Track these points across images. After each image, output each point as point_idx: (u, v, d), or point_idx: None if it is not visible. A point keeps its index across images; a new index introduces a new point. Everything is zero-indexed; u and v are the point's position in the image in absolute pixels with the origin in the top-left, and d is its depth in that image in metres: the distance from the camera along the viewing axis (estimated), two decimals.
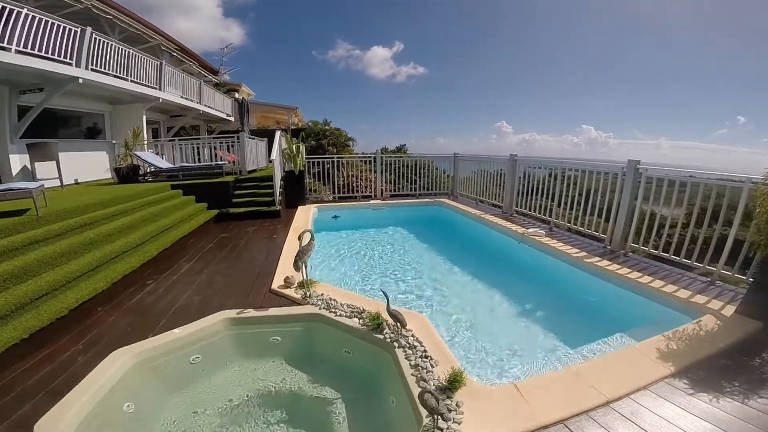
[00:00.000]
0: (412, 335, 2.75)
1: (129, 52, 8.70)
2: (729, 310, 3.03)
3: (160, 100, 9.95)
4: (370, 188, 9.06)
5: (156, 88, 9.84)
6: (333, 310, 3.14)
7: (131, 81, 8.73)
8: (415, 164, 9.23)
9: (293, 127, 16.84)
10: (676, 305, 3.30)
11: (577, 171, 5.45)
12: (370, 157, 8.69)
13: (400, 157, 9.27)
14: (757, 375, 2.36)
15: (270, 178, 7.82)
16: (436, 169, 9.75)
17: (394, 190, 9.39)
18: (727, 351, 2.56)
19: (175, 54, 13.25)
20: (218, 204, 7.27)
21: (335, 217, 7.44)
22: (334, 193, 8.85)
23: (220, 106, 14.61)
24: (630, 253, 4.57)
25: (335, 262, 5.56)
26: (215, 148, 9.40)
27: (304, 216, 6.90)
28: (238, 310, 3.18)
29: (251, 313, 3.16)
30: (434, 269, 5.30)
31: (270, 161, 7.98)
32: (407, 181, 9.29)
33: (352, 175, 9.92)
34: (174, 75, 10.98)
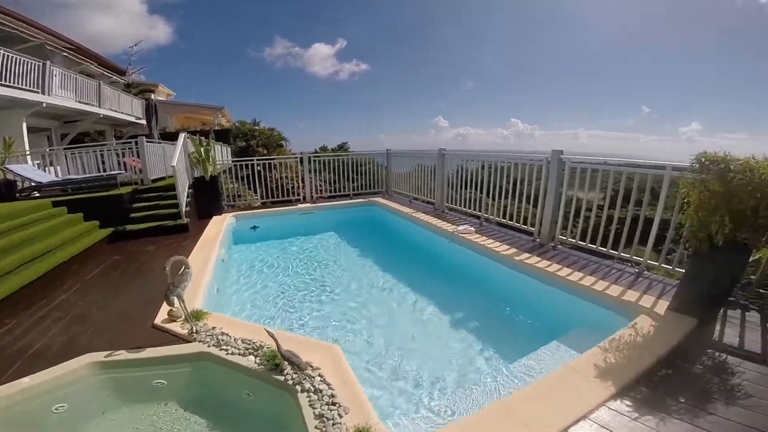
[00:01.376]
0: (319, 375, 2.19)
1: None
2: (662, 307, 2.80)
3: (44, 105, 8.38)
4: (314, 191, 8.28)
5: (38, 92, 8.26)
6: (224, 347, 2.51)
7: (1, 85, 7.20)
8: (354, 162, 8.63)
9: (218, 128, 15.41)
10: (608, 304, 3.04)
11: (504, 163, 5.20)
12: (295, 157, 7.92)
13: (331, 156, 8.59)
14: (701, 386, 2.07)
15: (173, 187, 6.77)
16: (379, 165, 9.16)
17: (333, 191, 8.73)
18: (667, 359, 2.27)
19: (67, 54, 11.39)
20: (113, 221, 6.11)
21: (254, 227, 6.60)
22: (265, 198, 7.99)
23: (127, 109, 12.90)
24: (559, 246, 4.37)
25: (245, 282, 4.80)
26: (122, 154, 8.07)
27: (217, 228, 6.01)
28: (107, 352, 2.49)
29: (123, 355, 2.49)
30: (359, 280, 4.75)
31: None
32: (348, 181, 8.68)
33: (287, 178, 9.10)
34: (65, 77, 9.35)
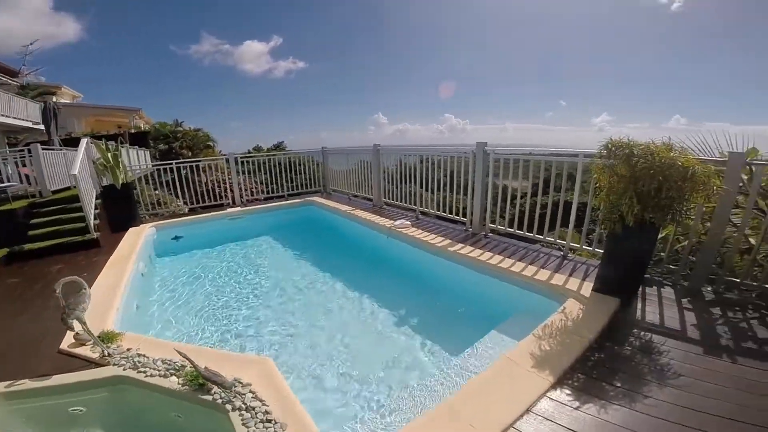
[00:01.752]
0: (251, 391, 1.99)
1: None
2: (587, 288, 2.91)
3: None
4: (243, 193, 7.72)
5: None
6: (142, 370, 2.24)
7: None
8: (290, 162, 8.20)
9: (134, 131, 13.94)
10: (539, 289, 3.13)
11: (436, 157, 5.24)
12: (221, 158, 7.34)
13: (261, 156, 8.10)
14: (633, 368, 2.12)
15: (77, 198, 5.93)
16: (318, 164, 8.77)
17: (269, 192, 8.24)
18: (597, 342, 2.33)
19: None
20: (6, 240, 5.22)
21: (176, 238, 6.00)
22: (195, 203, 7.32)
23: (21, 113, 11.17)
24: (490, 234, 4.47)
25: (169, 296, 4.31)
26: (20, 164, 6.90)
27: (133, 241, 5.35)
28: (8, 383, 2.16)
29: (27, 384, 2.17)
30: (295, 284, 4.50)
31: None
32: (286, 181, 8.22)
33: (217, 181, 8.42)
34: None
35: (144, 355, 2.37)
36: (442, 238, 4.35)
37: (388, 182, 6.32)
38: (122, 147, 9.14)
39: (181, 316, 3.82)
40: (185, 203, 7.44)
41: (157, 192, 7.93)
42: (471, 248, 3.96)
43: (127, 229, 5.99)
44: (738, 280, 2.84)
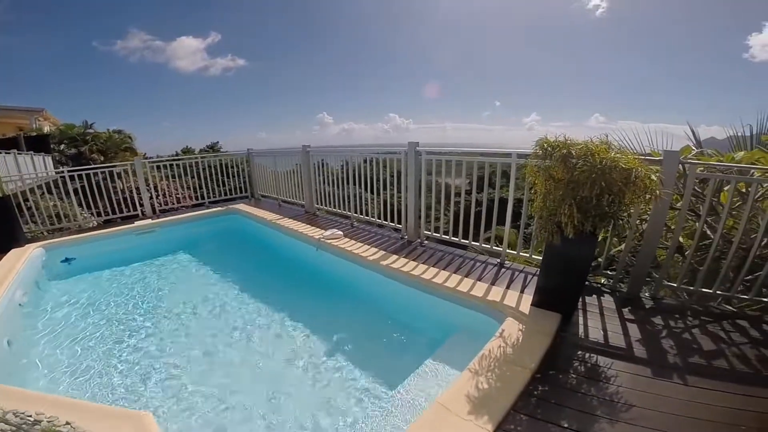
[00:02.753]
0: None
1: None
2: (527, 302, 2.58)
3: None
4: (169, 199, 6.69)
5: None
6: None
7: None
8: (221, 165, 7.21)
9: (34, 134, 11.82)
10: (476, 306, 2.74)
11: (367, 157, 4.75)
12: (125, 165, 6.23)
13: (173, 160, 7.07)
14: (580, 401, 1.76)
15: None
16: (245, 168, 7.83)
17: (199, 198, 7.23)
18: (541, 372, 1.96)
19: None
20: None
21: (67, 260, 4.92)
22: (109, 214, 6.14)
23: None
24: (425, 242, 4.07)
25: (51, 331, 3.38)
26: None
27: (10, 266, 4.25)
28: None
29: None
30: (205, 311, 3.75)
31: None
32: (217, 185, 7.25)
33: (136, 188, 7.19)
34: None
35: None
36: (376, 249, 3.86)
37: (327, 185, 5.68)
38: (3, 154, 7.60)
39: (57, 355, 2.99)
40: (95, 214, 6.24)
41: (56, 204, 6.60)
42: (405, 260, 3.51)
43: (8, 251, 4.83)
44: (675, 285, 2.67)
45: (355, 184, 4.87)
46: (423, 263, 3.42)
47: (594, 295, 2.78)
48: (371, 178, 4.67)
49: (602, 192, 1.91)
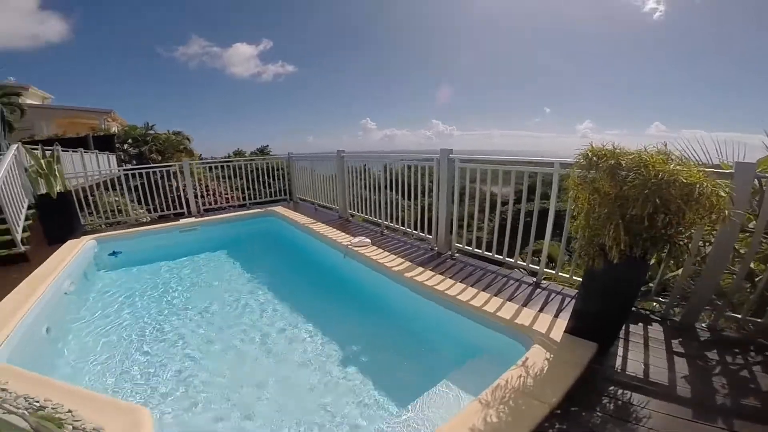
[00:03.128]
0: None
1: None
2: (559, 329, 2.29)
3: None
4: (218, 199, 7.08)
5: None
6: None
7: None
8: (268, 167, 7.50)
9: (100, 134, 12.97)
10: (502, 329, 2.48)
11: (401, 164, 4.61)
12: (173, 165, 6.58)
13: (216, 162, 7.36)
14: None
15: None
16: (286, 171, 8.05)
17: (245, 199, 7.53)
18: (563, 408, 1.71)
19: None
20: None
21: (113, 253, 5.23)
22: (165, 210, 6.58)
23: None
24: (456, 255, 3.83)
25: (90, 320, 3.57)
26: None
27: (63, 256, 4.59)
28: None
29: None
30: (231, 312, 3.76)
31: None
32: (262, 187, 7.52)
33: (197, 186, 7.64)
34: None
35: (5, 389, 1.88)
36: (402, 260, 3.69)
37: (362, 189, 5.59)
38: (70, 152, 8.33)
39: (89, 344, 3.16)
40: (151, 210, 6.66)
41: (116, 199, 7.13)
42: (431, 273, 3.31)
43: (64, 242, 5.27)
44: (739, 316, 2.26)
45: (388, 189, 4.75)
46: (450, 278, 3.20)
47: (640, 324, 2.42)
48: (404, 185, 4.52)
49: (657, 210, 1.61)
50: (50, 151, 5.79)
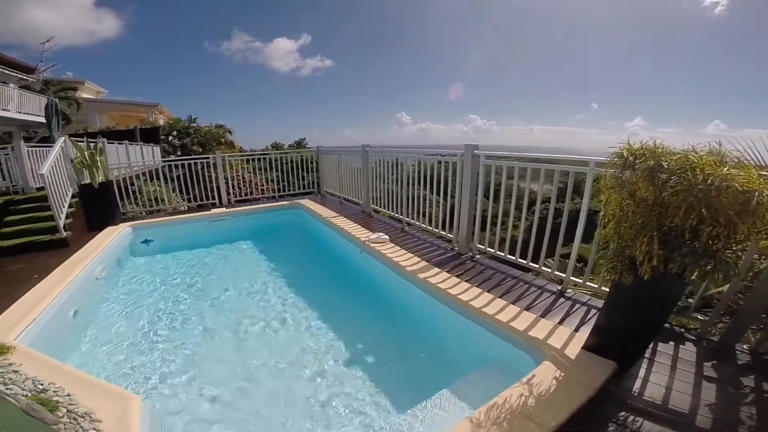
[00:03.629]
0: (95, 429, 1.59)
1: None
2: (577, 344, 2.05)
3: None
4: (254, 191, 7.32)
5: None
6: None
7: None
8: (302, 160, 7.61)
9: (147, 127, 13.67)
10: (513, 339, 2.27)
11: (425, 160, 4.40)
12: (207, 158, 6.76)
13: (248, 155, 7.48)
14: None
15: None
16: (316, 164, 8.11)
17: (279, 191, 7.67)
18: None
19: None
20: None
21: (146, 241, 5.43)
22: (203, 200, 6.82)
23: (35, 109, 11.06)
24: (477, 256, 3.60)
25: (115, 305, 3.71)
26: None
27: (101, 242, 4.84)
28: None
29: None
30: (247, 304, 3.76)
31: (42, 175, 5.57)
32: (296, 179, 7.63)
33: (232, 178, 7.91)
34: None
35: (18, 371, 1.98)
36: (418, 259, 3.51)
37: (386, 185, 5.43)
38: (116, 144, 8.79)
39: (107, 329, 3.25)
40: (190, 200, 6.91)
41: (156, 189, 7.46)
42: (447, 275, 3.11)
43: (104, 228, 5.56)
44: None
45: (410, 184, 4.55)
46: (467, 281, 2.99)
47: (671, 342, 2.13)
48: (428, 181, 4.31)
49: (702, 221, 1.34)
50: (94, 143, 6.11)
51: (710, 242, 1.39)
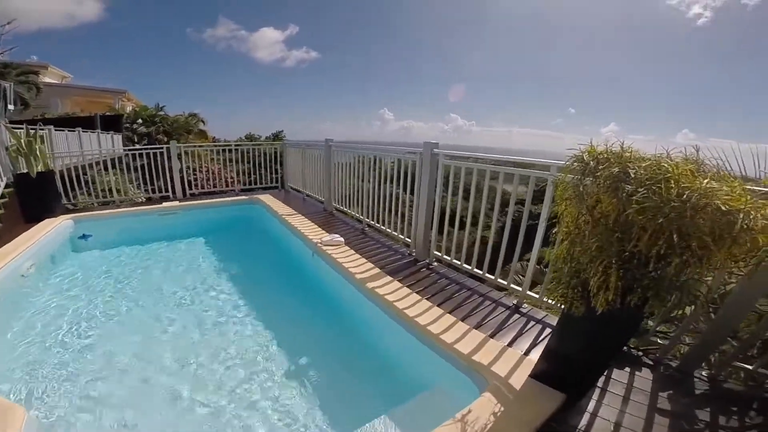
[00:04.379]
0: None
1: None
2: (525, 369, 1.77)
3: None
4: (223, 183, 6.96)
5: None
6: None
7: None
8: (274, 153, 7.16)
9: (108, 114, 12.69)
10: (457, 363, 1.97)
11: (388, 158, 4.05)
12: (161, 148, 6.17)
13: (204, 146, 6.95)
14: None
15: None
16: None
17: (249, 184, 7.16)
18: None
19: None
20: None
21: (84, 236, 4.85)
22: (167, 191, 6.25)
23: None
24: (434, 263, 3.29)
25: (39, 307, 3.21)
26: None
27: (32, 236, 4.27)
28: None
29: None
30: (178, 303, 3.36)
31: None
32: (269, 172, 7.12)
33: (199, 169, 7.32)
34: None
35: None
36: (371, 266, 3.17)
37: (348, 182, 5.05)
38: (66, 132, 7.99)
39: (27, 332, 2.82)
40: (151, 191, 6.30)
41: (110, 179, 6.80)
42: (398, 285, 2.78)
43: (40, 221, 4.97)
44: (750, 367, 1.70)
45: (371, 183, 4.19)
46: (418, 292, 2.67)
47: (627, 368, 1.88)
48: (391, 181, 3.96)
49: (671, 249, 1.05)
50: (34, 130, 5.45)
51: (677, 274, 1.10)
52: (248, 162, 7.27)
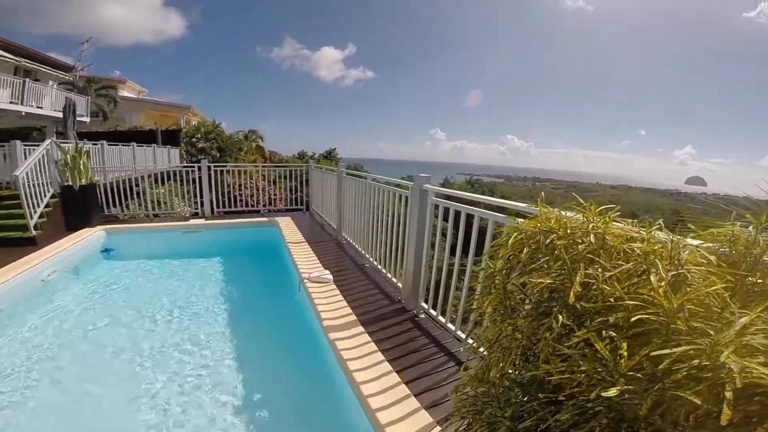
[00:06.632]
0: None
1: None
2: None
3: None
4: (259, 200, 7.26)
5: None
6: None
7: None
8: (293, 175, 7.39)
9: (170, 129, 13.94)
10: None
11: (386, 192, 3.80)
12: (192, 167, 6.55)
13: (235, 167, 7.23)
14: None
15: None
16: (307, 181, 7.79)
17: (288, 204, 7.40)
18: None
19: None
20: None
21: (106, 251, 5.20)
22: (219, 207, 6.73)
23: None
24: (422, 315, 2.94)
25: (52, 314, 3.44)
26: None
27: (64, 244, 4.78)
28: None
29: None
30: (165, 322, 3.40)
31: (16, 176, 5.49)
32: (294, 193, 7.31)
33: (245, 186, 7.73)
34: None
35: None
36: (349, 312, 2.91)
37: (354, 214, 4.85)
38: (120, 146, 8.85)
39: (30, 338, 3.06)
40: (196, 204, 6.76)
41: (158, 192, 7.37)
42: (367, 339, 2.49)
43: (79, 230, 5.52)
44: None
45: (374, 218, 3.94)
46: (387, 350, 2.36)
47: None
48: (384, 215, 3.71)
49: None
50: (80, 146, 6.07)
51: None
52: (294, 180, 7.41)
